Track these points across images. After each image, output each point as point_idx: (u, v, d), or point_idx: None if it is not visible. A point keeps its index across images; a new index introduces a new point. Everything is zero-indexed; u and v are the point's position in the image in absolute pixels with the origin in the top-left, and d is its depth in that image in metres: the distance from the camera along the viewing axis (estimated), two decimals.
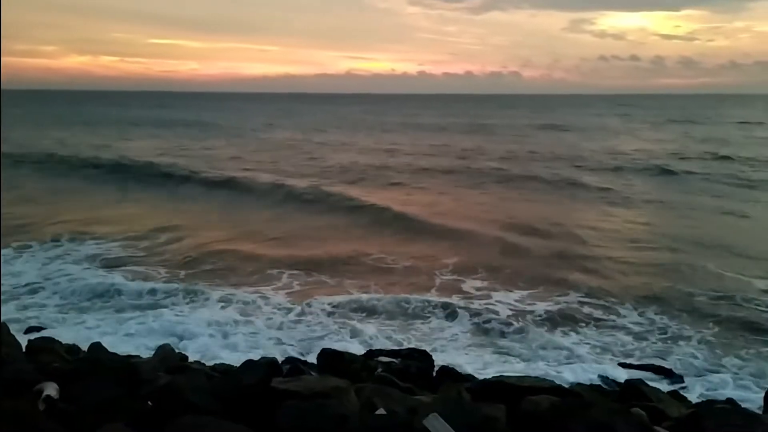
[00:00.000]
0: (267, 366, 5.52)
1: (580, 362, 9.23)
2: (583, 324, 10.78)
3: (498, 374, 8.01)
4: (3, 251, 14.00)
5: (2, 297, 10.87)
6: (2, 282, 11.78)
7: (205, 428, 3.97)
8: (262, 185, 25.53)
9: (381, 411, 4.55)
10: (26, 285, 12.36)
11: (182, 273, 13.57)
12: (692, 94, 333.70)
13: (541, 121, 67.92)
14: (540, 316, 11.13)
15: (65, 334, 8.97)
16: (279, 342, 9.87)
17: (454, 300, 11.84)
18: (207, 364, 7.73)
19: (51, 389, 4.51)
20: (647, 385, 6.85)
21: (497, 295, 12.21)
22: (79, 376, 4.92)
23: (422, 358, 8.17)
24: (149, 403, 4.61)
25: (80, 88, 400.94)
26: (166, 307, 11.35)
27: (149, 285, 12.51)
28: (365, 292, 12.32)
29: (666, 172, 29.07)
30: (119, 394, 4.63)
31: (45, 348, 6.63)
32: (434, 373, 7.89)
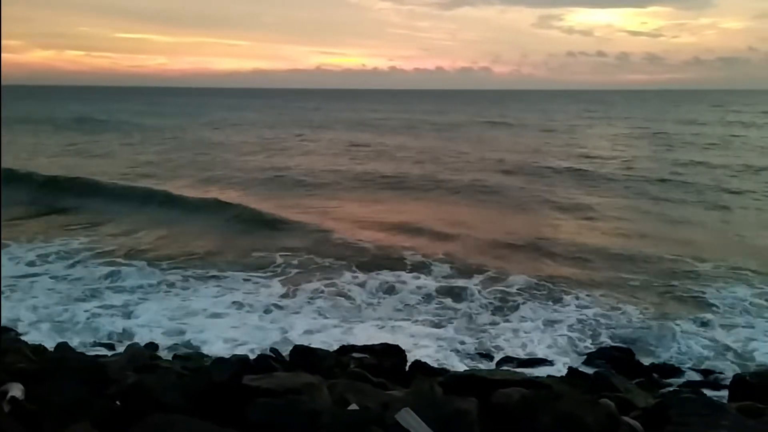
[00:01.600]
0: (238, 363, 5.49)
1: (549, 354, 9.36)
2: (541, 317, 10.84)
3: (470, 368, 8.12)
4: None
5: None
6: None
7: (173, 427, 3.92)
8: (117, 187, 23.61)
9: (353, 406, 4.56)
10: None
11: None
12: (657, 89, 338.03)
13: (490, 119, 68.04)
14: (499, 312, 11.24)
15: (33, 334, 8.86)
16: (249, 341, 9.75)
17: (421, 297, 11.91)
18: (178, 362, 7.65)
19: (16, 390, 4.42)
20: (616, 376, 6.98)
21: (461, 287, 12.30)
22: (45, 377, 4.83)
23: (395, 353, 8.18)
24: (117, 402, 4.54)
25: (44, 83, 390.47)
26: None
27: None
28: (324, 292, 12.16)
29: (587, 172, 27.89)
30: (86, 394, 4.56)
31: (10, 348, 6.48)
32: (407, 368, 7.91)
